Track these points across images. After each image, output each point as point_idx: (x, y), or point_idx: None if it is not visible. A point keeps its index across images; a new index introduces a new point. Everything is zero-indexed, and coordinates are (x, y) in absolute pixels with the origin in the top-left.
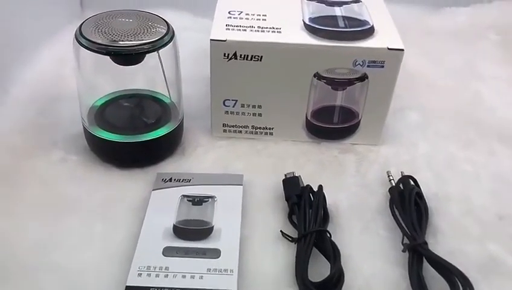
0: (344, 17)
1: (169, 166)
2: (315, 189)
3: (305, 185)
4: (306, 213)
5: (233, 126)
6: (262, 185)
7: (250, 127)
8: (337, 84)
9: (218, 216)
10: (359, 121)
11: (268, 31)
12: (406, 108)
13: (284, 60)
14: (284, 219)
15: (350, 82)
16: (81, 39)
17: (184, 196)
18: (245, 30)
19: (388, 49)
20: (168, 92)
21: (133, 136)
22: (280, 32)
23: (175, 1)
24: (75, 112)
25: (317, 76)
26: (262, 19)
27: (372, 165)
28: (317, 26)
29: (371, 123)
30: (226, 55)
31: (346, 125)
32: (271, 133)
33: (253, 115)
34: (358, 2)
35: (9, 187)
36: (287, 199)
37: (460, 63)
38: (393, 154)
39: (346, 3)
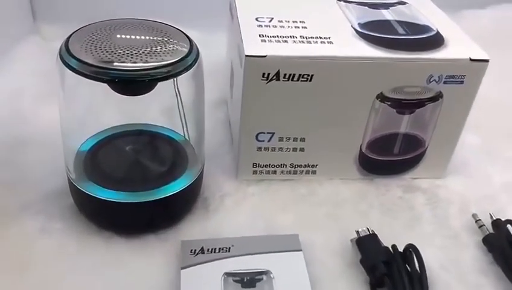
0: (399, 22)
1: (192, 228)
2: (399, 248)
3: (387, 245)
4: (405, 287)
5: (266, 166)
6: (324, 247)
7: (288, 166)
8: (405, 106)
9: None
10: (425, 150)
11: (316, 42)
12: None
13: (341, 78)
14: None
15: (421, 103)
16: (68, 59)
17: (228, 274)
18: (286, 41)
19: (470, 60)
20: (185, 128)
21: (139, 194)
22: (331, 42)
23: (154, 10)
24: (48, 159)
25: (381, 97)
26: (302, 27)
27: (449, 206)
28: (375, 34)
29: (438, 152)
30: (266, 75)
31: (409, 157)
32: (314, 172)
33: (293, 151)
34: (405, 4)
35: None
36: (370, 268)
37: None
38: (467, 189)
39: (392, 5)
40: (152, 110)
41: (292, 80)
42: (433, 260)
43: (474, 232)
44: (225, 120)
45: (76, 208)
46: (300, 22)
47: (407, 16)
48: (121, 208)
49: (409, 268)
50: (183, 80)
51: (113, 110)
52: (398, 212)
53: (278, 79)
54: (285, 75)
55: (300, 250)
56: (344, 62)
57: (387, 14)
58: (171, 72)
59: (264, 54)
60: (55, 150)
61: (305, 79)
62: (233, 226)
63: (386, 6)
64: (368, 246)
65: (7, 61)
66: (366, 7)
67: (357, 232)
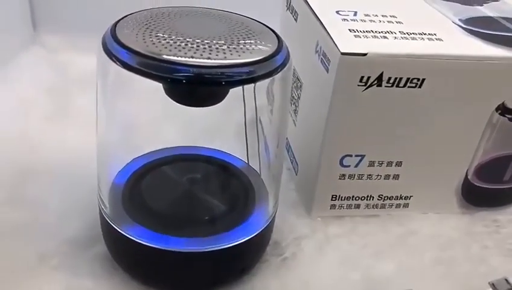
0: (505, 18)
1: (268, 284)
2: None
3: None
4: None
5: (348, 198)
6: None
7: (375, 198)
8: None
9: None
10: None
11: (423, 38)
12: None
13: (457, 84)
14: None
15: None
16: (115, 49)
17: None
18: (385, 37)
19: None
20: (258, 155)
21: (202, 240)
22: (440, 40)
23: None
24: (67, 196)
25: (502, 109)
26: (396, 21)
27: None
28: (487, 31)
29: None
30: (365, 79)
31: None
32: (406, 205)
33: (385, 179)
34: (497, 0)
35: None
36: None
37: None
38: None
39: (484, 1)
40: (216, 133)
41: (398, 85)
42: None
43: None
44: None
45: (112, 259)
46: (390, 16)
47: (508, 12)
48: (177, 260)
49: None
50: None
51: (165, 128)
52: None
53: (379, 84)
54: (389, 79)
55: None
56: (462, 63)
57: (485, 11)
58: (256, 72)
59: (365, 52)
60: (71, 182)
61: (414, 85)
62: (320, 279)
63: (479, 2)
64: None
65: (8, 75)
66: (457, 3)
67: (492, 285)
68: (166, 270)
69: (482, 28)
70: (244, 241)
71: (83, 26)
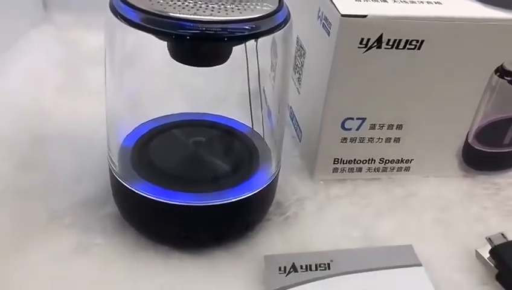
0: None
1: (271, 240)
2: None
3: None
4: None
5: (350, 162)
6: (441, 260)
7: (377, 162)
8: None
9: None
10: None
11: (422, 2)
12: None
13: (455, 46)
14: None
15: None
16: (121, 7)
17: None
18: (386, 1)
19: None
20: (261, 117)
21: (207, 195)
22: (440, 3)
23: None
24: (77, 158)
25: (501, 71)
26: None
27: None
28: None
29: None
30: (365, 42)
31: None
32: (407, 169)
33: (386, 142)
34: None
35: None
36: None
37: None
38: None
39: None
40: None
41: (397, 47)
42: None
43: None
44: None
45: (120, 217)
46: None
47: None
48: (184, 214)
49: None
50: (262, 49)
51: (172, 95)
52: None
53: (379, 46)
54: (388, 41)
55: (421, 265)
56: (460, 24)
57: None
58: (257, 29)
59: (365, 14)
60: (83, 148)
61: (413, 46)
62: (322, 237)
63: None
64: (509, 257)
65: (20, 49)
66: None
67: (489, 239)
68: (173, 225)
69: None
70: (248, 197)
71: (93, 5)
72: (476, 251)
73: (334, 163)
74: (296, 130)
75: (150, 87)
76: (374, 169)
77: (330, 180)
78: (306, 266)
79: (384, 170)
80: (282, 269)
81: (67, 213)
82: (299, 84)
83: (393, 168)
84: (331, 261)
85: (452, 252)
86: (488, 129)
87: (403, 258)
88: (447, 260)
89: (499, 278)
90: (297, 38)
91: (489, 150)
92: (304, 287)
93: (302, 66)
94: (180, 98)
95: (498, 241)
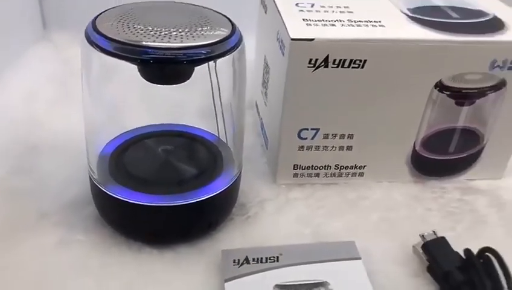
0: (451, 8)
1: (232, 237)
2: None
3: (456, 250)
4: None
5: (308, 167)
6: (382, 255)
7: (332, 168)
8: (465, 96)
9: None
10: (483, 148)
11: (367, 25)
12: None
13: (397, 65)
14: None
15: (482, 92)
16: (96, 38)
17: (279, 286)
18: (333, 25)
19: None
20: (224, 126)
21: (173, 197)
22: (383, 26)
23: None
24: (66, 165)
25: (440, 86)
26: (348, 11)
27: None
28: (429, 18)
29: (498, 149)
30: (313, 62)
31: (465, 155)
32: (361, 174)
33: (339, 150)
34: None
35: None
36: (443, 276)
37: None
38: None
39: None
40: (186, 108)
41: (342, 66)
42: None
43: None
44: (254, 123)
45: (100, 218)
46: (344, 7)
47: (457, 2)
48: (152, 213)
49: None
50: (223, 68)
51: (142, 107)
52: (460, 215)
53: (326, 66)
54: (334, 60)
55: (359, 258)
56: (400, 45)
57: (436, 0)
58: (211, 53)
59: (312, 37)
60: (72, 156)
61: (357, 65)
62: (277, 234)
63: None
64: (437, 251)
65: (19, 69)
66: None
67: (422, 236)
68: (143, 223)
69: (425, 15)
70: (209, 198)
71: None
72: (413, 246)
73: (294, 169)
74: (264, 139)
75: (123, 102)
76: (331, 174)
77: (291, 184)
78: (257, 258)
79: (340, 175)
80: (236, 261)
81: (54, 213)
82: (266, 97)
83: (348, 174)
84: (280, 254)
85: (392, 248)
86: (433, 138)
87: (344, 252)
88: (387, 254)
89: (429, 270)
90: (264, 56)
91: (436, 157)
92: (254, 276)
93: (268, 81)
94: (150, 111)
95: (430, 238)
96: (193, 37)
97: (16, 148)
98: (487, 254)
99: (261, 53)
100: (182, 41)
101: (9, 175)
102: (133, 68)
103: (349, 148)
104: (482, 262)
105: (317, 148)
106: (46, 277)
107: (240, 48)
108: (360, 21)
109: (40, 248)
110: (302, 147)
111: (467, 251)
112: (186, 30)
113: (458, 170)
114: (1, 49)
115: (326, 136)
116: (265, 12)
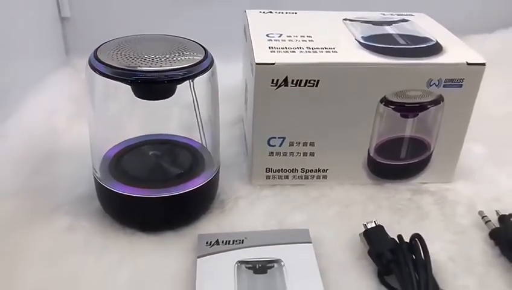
0: (400, 35)
1: (209, 226)
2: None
3: (392, 236)
4: (411, 273)
5: (278, 171)
6: (333, 241)
7: (299, 171)
8: (408, 110)
9: (292, 286)
10: (431, 154)
11: (322, 51)
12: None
13: (346, 83)
14: (375, 283)
15: (423, 107)
16: (96, 64)
17: (241, 262)
18: (294, 52)
19: (467, 64)
20: (202, 134)
21: (159, 191)
22: (336, 52)
23: None
24: (78, 169)
25: (385, 101)
26: (309, 40)
27: (457, 206)
28: (377, 45)
29: (444, 156)
30: (275, 81)
31: (416, 161)
32: (324, 177)
33: (304, 155)
34: (407, 21)
35: (4, 267)
36: (377, 256)
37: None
38: (475, 192)
39: (395, 22)
40: (173, 122)
41: (299, 85)
42: (441, 252)
43: (481, 229)
44: (241, 135)
45: (102, 210)
46: (307, 36)
47: (408, 30)
48: (141, 204)
49: (414, 256)
50: (199, 87)
51: (137, 121)
52: (406, 211)
53: (286, 85)
54: (293, 80)
55: (310, 242)
56: (347, 67)
57: (389, 29)
58: (187, 74)
59: (273, 62)
60: (83, 162)
61: (312, 84)
62: (247, 223)
63: (390, 23)
64: (375, 237)
65: (42, 90)
66: (371, 24)
67: (365, 225)
68: (136, 213)
69: (375, 42)
70: (189, 191)
71: None
72: (359, 234)
73: (266, 171)
74: (246, 148)
75: (120, 116)
76: (298, 177)
77: (265, 185)
78: (226, 241)
79: (306, 177)
80: (209, 243)
81: (65, 205)
82: (246, 112)
83: (313, 176)
84: (245, 238)
85: (343, 236)
86: (385, 145)
87: (298, 237)
88: (336, 241)
89: (369, 253)
90: (245, 79)
91: (389, 163)
92: (221, 254)
93: (247, 99)
94: (144, 122)
95: (370, 226)
96: (174, 61)
97: (36, 155)
98: (416, 239)
99: (244, 75)
100: (164, 65)
101: (30, 176)
102: (128, 87)
103: (312, 154)
104: (409, 245)
105: (284, 154)
106: (57, 253)
107: (211, 69)
108: (317, 48)
109: (53, 231)
110: (272, 153)
111: (399, 237)
112: (167, 56)
113: (410, 174)
114: (28, 72)
115: (291, 144)
116: (246, 40)
